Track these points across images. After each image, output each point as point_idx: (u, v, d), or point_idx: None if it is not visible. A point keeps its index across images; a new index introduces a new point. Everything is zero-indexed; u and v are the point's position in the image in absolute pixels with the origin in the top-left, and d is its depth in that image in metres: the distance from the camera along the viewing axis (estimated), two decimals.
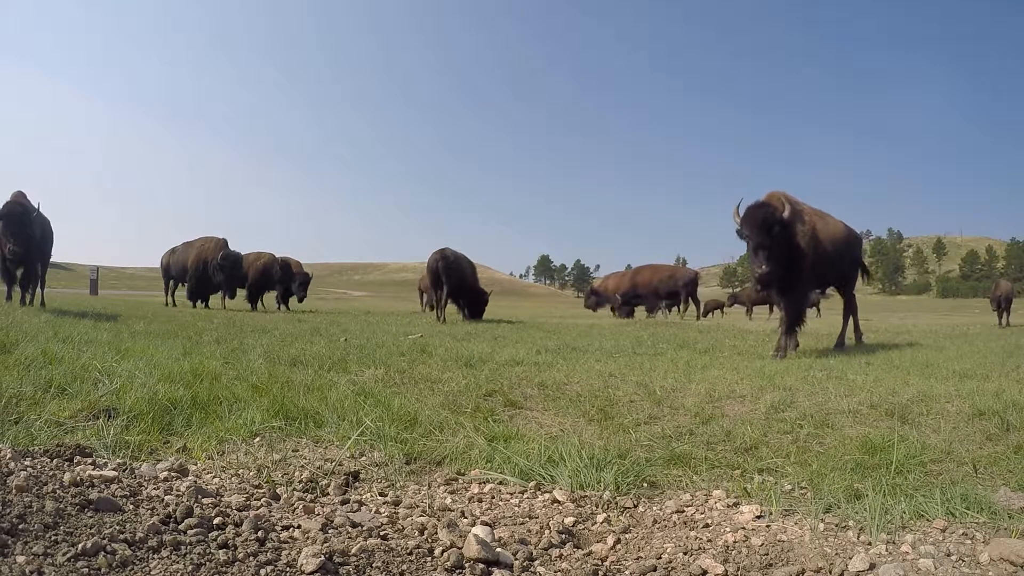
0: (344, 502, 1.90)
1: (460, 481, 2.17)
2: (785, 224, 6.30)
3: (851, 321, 8.48)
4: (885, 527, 1.72)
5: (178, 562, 1.36)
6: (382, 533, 1.65)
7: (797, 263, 6.62)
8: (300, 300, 17.34)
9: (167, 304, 15.31)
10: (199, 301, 15.42)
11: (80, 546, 1.33)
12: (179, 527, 1.53)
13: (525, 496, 2.03)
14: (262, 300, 16.36)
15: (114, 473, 1.90)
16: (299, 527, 1.64)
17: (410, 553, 1.52)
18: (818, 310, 22.73)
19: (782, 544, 1.65)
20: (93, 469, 1.95)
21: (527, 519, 1.85)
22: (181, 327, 7.33)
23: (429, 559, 1.51)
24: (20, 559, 1.28)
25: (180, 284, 16.44)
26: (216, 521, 1.59)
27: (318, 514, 1.76)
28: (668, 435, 2.83)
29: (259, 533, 1.53)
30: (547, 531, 1.73)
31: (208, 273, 14.90)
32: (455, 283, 12.28)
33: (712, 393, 3.89)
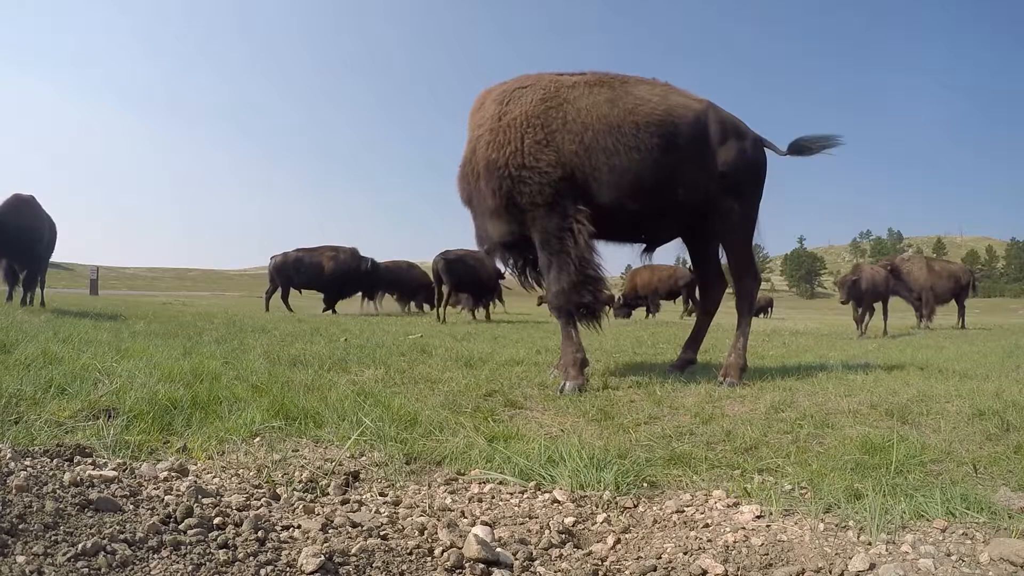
0: (344, 502, 1.90)
1: (460, 481, 2.17)
2: None
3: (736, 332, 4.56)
4: (885, 527, 1.71)
5: (178, 562, 1.36)
6: (382, 533, 1.65)
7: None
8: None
9: (267, 309, 14.61)
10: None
11: (80, 546, 1.33)
12: (179, 527, 1.53)
13: (525, 496, 2.03)
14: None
15: (114, 473, 1.90)
16: (299, 527, 1.64)
17: (410, 553, 1.52)
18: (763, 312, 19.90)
19: (782, 544, 1.65)
20: (93, 469, 1.95)
21: (527, 519, 1.85)
22: (181, 327, 7.34)
23: (429, 559, 1.51)
24: (20, 559, 1.28)
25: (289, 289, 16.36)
26: (216, 521, 1.59)
27: (318, 514, 1.76)
28: (668, 435, 2.83)
29: (259, 533, 1.53)
30: (547, 531, 1.73)
31: (354, 279, 15.87)
32: (454, 281, 12.98)
33: (712, 393, 3.89)
